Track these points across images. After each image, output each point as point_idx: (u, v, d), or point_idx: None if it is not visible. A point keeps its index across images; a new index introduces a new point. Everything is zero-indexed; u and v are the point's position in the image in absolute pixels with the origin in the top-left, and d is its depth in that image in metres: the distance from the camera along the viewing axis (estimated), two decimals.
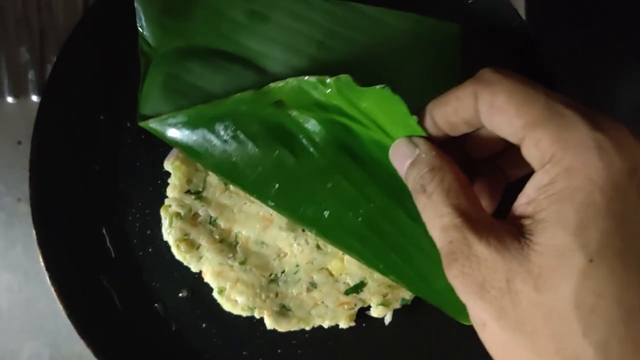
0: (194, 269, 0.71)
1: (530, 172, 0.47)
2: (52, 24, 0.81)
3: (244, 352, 0.73)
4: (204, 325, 0.73)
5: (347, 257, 0.72)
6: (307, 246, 0.72)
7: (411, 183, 0.51)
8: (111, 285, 0.72)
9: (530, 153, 0.45)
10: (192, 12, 0.65)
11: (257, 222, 0.72)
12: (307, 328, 0.72)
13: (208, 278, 0.71)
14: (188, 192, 0.71)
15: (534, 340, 0.42)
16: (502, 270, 0.42)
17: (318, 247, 0.72)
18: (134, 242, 0.73)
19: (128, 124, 0.73)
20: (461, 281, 0.44)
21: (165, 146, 0.71)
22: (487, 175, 0.58)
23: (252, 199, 0.71)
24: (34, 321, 0.81)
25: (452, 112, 0.50)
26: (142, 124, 0.65)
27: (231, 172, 0.65)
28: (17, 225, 0.81)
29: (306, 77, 0.57)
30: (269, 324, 0.72)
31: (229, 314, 0.72)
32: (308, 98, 0.59)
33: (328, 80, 0.56)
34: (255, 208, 0.72)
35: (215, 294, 0.71)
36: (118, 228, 0.73)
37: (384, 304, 0.72)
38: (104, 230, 0.72)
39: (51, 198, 0.70)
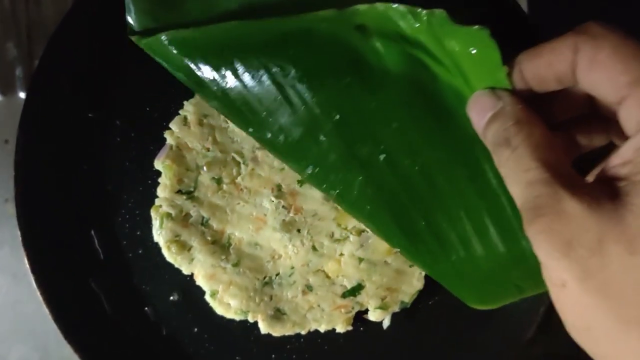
0: (186, 271, 0.70)
1: (604, 146, 0.45)
2: (40, 18, 0.78)
3: (237, 357, 0.72)
4: (195, 329, 0.72)
5: (343, 259, 0.70)
6: (302, 247, 0.70)
7: (492, 136, 0.48)
8: (100, 288, 0.70)
9: (631, 114, 0.42)
10: None
11: (250, 223, 0.70)
12: (303, 332, 0.71)
13: (200, 281, 0.70)
14: (179, 192, 0.69)
15: (619, 306, 0.39)
16: (594, 229, 0.40)
17: (314, 248, 0.70)
18: (124, 243, 0.71)
19: (117, 122, 0.71)
20: (546, 237, 0.41)
21: (156, 144, 0.70)
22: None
23: (246, 198, 0.69)
24: (22, 324, 0.79)
25: (545, 65, 0.47)
26: (136, 40, 0.58)
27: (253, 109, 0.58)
28: (4, 226, 0.79)
29: (395, 5, 0.51)
30: (263, 328, 0.70)
31: (222, 317, 0.70)
32: (393, 28, 0.52)
33: (421, 12, 0.50)
34: (249, 208, 0.70)
35: (207, 297, 0.70)
36: (107, 229, 0.71)
37: (382, 307, 0.70)
38: (92, 232, 0.71)
39: (37, 198, 0.69)
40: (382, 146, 0.56)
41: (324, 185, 0.59)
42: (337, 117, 0.56)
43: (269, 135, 0.58)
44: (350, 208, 0.60)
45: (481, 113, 0.50)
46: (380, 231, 0.61)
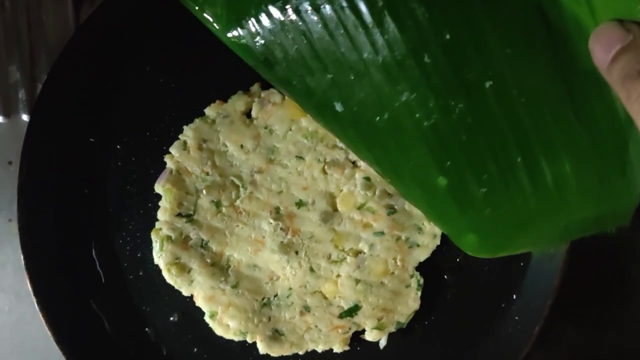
0: (185, 292, 0.70)
1: None
2: (42, 41, 0.79)
3: None
4: (195, 349, 0.72)
5: (340, 280, 0.71)
6: (300, 269, 0.71)
7: (621, 68, 0.45)
8: (101, 309, 0.71)
9: None
10: None
11: (249, 245, 0.71)
12: (301, 352, 0.71)
13: (199, 302, 0.70)
14: (179, 215, 0.70)
15: None
16: None
17: (311, 269, 0.71)
18: (124, 265, 0.72)
19: (118, 146, 0.72)
20: None
21: (156, 169, 0.71)
22: None
23: (245, 221, 0.70)
24: (25, 343, 0.79)
25: None
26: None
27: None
28: (7, 246, 0.80)
29: None
30: (262, 348, 0.71)
31: (221, 338, 0.71)
32: None
33: None
34: (247, 231, 0.71)
35: (206, 318, 0.70)
36: (108, 251, 0.72)
37: (379, 327, 0.71)
38: (93, 254, 0.72)
39: (39, 221, 0.70)
40: (490, 72, 0.50)
41: (417, 115, 0.52)
42: (448, 36, 0.49)
43: (366, 54, 0.51)
44: (444, 138, 0.52)
45: (607, 46, 0.46)
46: (471, 163, 0.53)
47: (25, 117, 0.79)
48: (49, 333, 0.68)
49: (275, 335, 0.71)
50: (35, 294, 0.68)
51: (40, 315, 0.68)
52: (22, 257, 0.69)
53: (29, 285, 0.69)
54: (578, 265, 0.71)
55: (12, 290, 0.80)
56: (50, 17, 0.79)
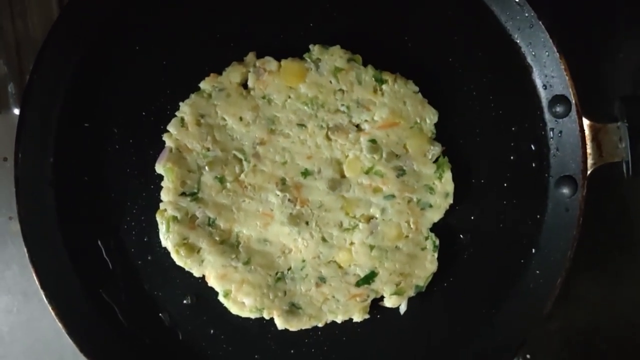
0: (197, 273, 0.69)
1: None
2: (27, 33, 0.77)
3: (256, 356, 0.71)
4: (212, 331, 0.71)
5: (354, 248, 0.70)
6: (312, 240, 0.69)
7: None
8: (112, 298, 0.70)
9: None
10: None
11: (257, 220, 0.69)
12: (320, 325, 0.70)
13: (212, 282, 0.69)
14: (183, 194, 0.69)
15: None
16: None
17: (323, 239, 0.69)
18: (132, 251, 0.71)
19: (114, 130, 0.70)
20: None
21: (155, 149, 0.69)
22: None
23: (251, 195, 0.69)
24: (37, 343, 0.78)
25: None
26: None
27: None
28: (10, 245, 0.78)
29: None
30: (280, 324, 0.69)
31: (237, 317, 0.70)
32: None
33: None
34: (255, 205, 0.69)
35: (220, 298, 0.69)
36: (114, 238, 0.70)
37: (398, 292, 0.70)
38: (99, 242, 0.70)
39: (40, 214, 0.68)
40: None
41: None
42: None
43: None
44: None
45: None
46: None
47: (16, 111, 0.77)
48: (60, 328, 0.67)
49: (293, 309, 0.70)
50: (43, 287, 0.67)
51: (50, 309, 0.67)
52: (26, 253, 0.67)
53: (35, 279, 0.67)
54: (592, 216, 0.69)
55: (19, 289, 0.78)
56: (34, 8, 0.77)
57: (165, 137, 0.69)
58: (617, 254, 0.80)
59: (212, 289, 0.69)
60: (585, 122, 0.67)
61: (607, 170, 0.68)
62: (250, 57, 0.69)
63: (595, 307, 0.80)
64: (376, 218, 0.70)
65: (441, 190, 0.70)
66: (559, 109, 0.69)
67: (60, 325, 0.67)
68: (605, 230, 0.78)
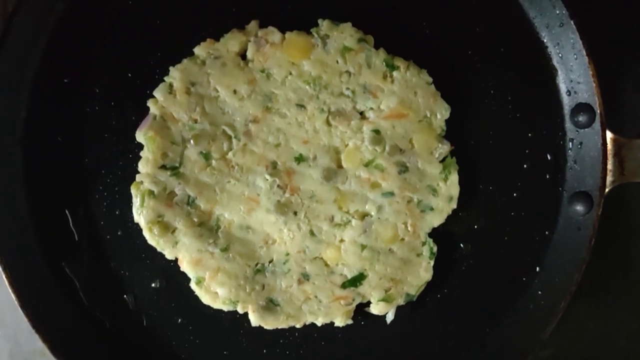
0: (169, 255, 0.66)
1: None
2: None
3: (225, 352, 0.68)
4: (179, 320, 0.68)
5: (344, 246, 0.66)
6: (299, 232, 0.66)
7: None
8: (74, 273, 0.67)
9: None
10: None
11: (241, 204, 0.66)
12: (298, 326, 0.67)
13: (185, 266, 0.66)
14: (163, 167, 0.65)
15: None
16: None
17: (311, 233, 0.66)
18: (101, 224, 0.67)
19: (96, 89, 0.67)
20: None
21: (138, 114, 0.65)
22: None
23: (238, 176, 0.65)
24: None
25: None
26: None
27: None
28: None
29: None
30: (254, 320, 0.66)
31: (209, 308, 0.66)
32: None
33: None
34: (240, 187, 0.66)
35: (192, 285, 0.66)
36: (83, 208, 0.67)
37: (386, 299, 0.67)
38: (66, 211, 0.67)
39: (4, 173, 0.65)
40: None
41: None
42: None
43: None
44: None
45: None
46: None
47: None
48: (14, 299, 0.63)
49: (270, 306, 0.66)
50: (0, 254, 0.63)
51: (4, 277, 0.63)
52: None
53: None
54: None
55: None
56: None
57: (150, 103, 0.65)
58: (618, 282, 0.77)
59: (184, 274, 0.66)
60: (609, 135, 0.64)
61: (623, 191, 0.65)
62: (253, 25, 0.66)
63: (590, 336, 0.77)
64: (371, 216, 0.67)
65: (445, 193, 0.67)
66: (581, 118, 0.66)
67: (13, 295, 0.63)
68: (608, 255, 0.75)
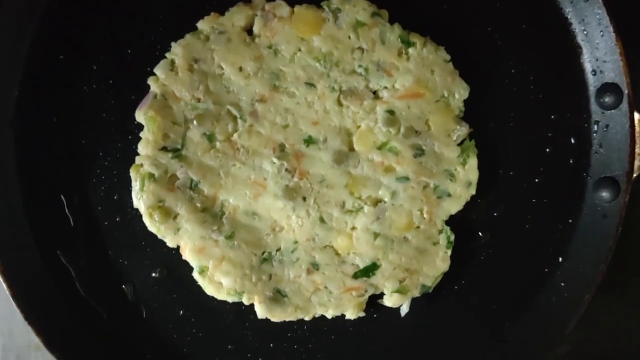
0: (170, 243, 0.64)
1: None
2: None
3: (229, 346, 0.66)
4: (181, 312, 0.66)
5: (355, 234, 0.64)
6: (308, 219, 0.64)
7: None
8: (70, 261, 0.65)
9: None
10: None
11: (247, 189, 0.64)
12: (307, 318, 0.65)
13: (187, 255, 0.64)
14: (164, 149, 0.63)
15: None
16: None
17: (321, 220, 0.64)
18: (98, 209, 0.66)
19: (94, 66, 0.65)
20: None
21: (137, 93, 0.64)
22: None
23: (243, 159, 0.64)
24: None
25: None
26: None
27: None
28: None
29: None
30: (260, 312, 0.64)
31: (212, 299, 0.65)
32: None
33: None
34: (246, 171, 0.64)
35: (195, 275, 0.64)
36: (79, 192, 0.66)
37: (400, 291, 0.65)
38: (61, 195, 0.65)
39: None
40: None
41: None
42: None
43: None
44: None
45: None
46: None
47: None
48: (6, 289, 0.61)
49: (277, 297, 0.65)
50: None
51: None
52: None
53: None
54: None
55: None
56: None
57: (150, 81, 0.64)
58: (638, 278, 0.76)
59: (186, 263, 0.65)
60: (637, 117, 0.62)
61: None
62: None
63: (610, 333, 0.76)
64: (384, 202, 0.65)
65: (463, 179, 0.66)
66: (607, 99, 0.64)
67: (4, 285, 0.61)
68: (631, 249, 0.73)
